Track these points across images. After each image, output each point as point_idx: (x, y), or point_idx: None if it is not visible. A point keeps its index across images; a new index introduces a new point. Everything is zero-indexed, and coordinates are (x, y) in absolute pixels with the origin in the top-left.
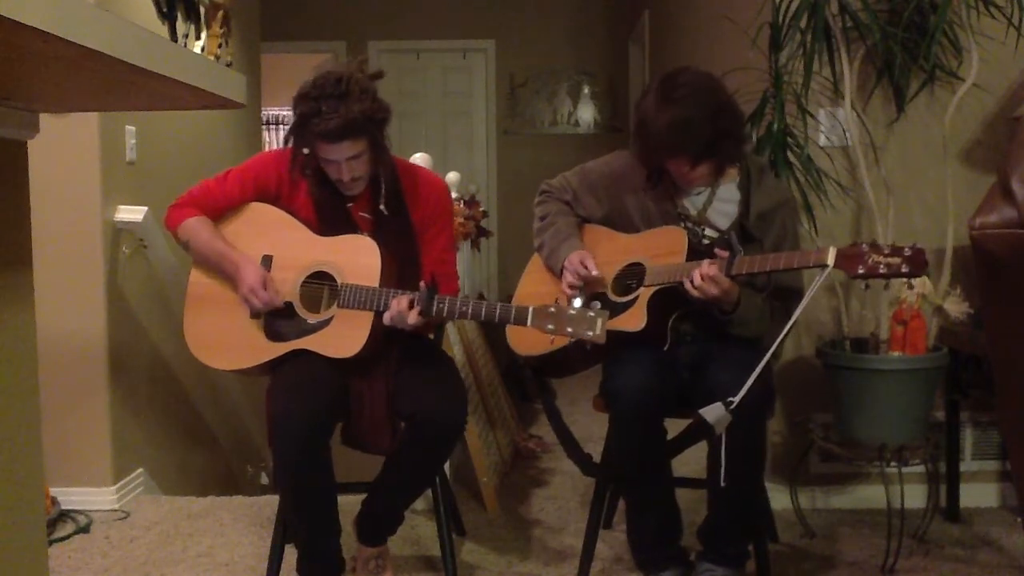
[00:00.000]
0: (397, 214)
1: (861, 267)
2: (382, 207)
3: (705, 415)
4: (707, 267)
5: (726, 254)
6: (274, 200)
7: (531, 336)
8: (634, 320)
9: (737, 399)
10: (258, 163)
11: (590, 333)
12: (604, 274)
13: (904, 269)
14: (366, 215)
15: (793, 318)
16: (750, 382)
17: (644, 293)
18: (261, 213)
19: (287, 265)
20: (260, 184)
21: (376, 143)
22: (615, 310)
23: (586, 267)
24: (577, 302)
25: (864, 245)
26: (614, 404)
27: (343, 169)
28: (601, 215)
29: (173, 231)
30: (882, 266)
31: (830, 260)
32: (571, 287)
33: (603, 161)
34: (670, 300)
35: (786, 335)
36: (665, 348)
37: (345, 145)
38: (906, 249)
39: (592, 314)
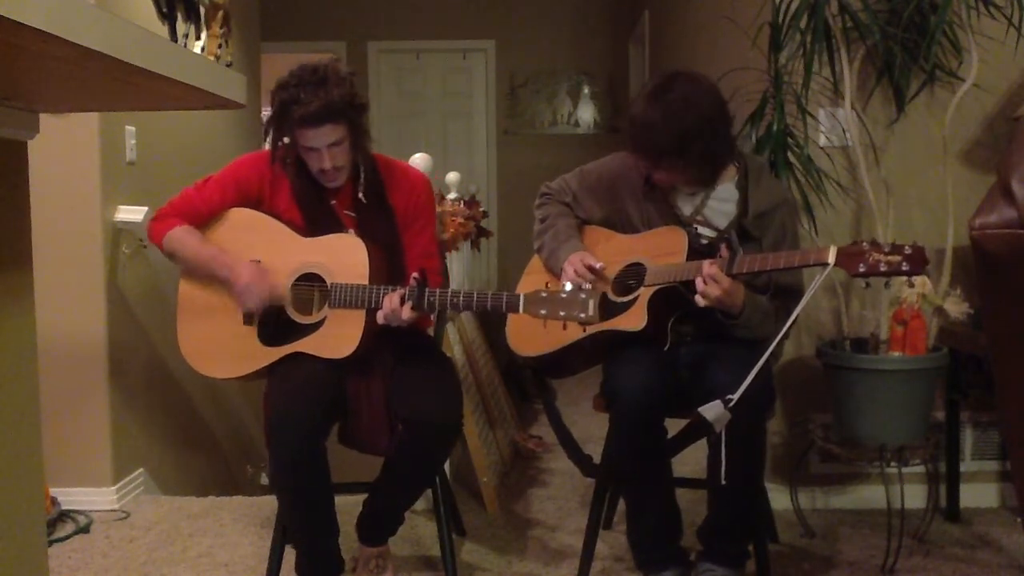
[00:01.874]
0: (378, 207)
1: (862, 265)
2: (360, 196)
3: (704, 413)
4: (708, 267)
5: (727, 254)
6: (256, 203)
7: (531, 336)
8: (635, 320)
9: (736, 397)
10: (237, 167)
11: (583, 315)
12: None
13: (905, 267)
14: (350, 212)
15: (793, 316)
16: (748, 380)
17: (644, 293)
18: (245, 218)
19: (275, 269)
20: (241, 188)
21: (356, 130)
22: (615, 310)
23: (589, 266)
24: (568, 285)
25: (865, 243)
26: (614, 404)
27: (324, 157)
28: (601, 216)
29: (158, 244)
30: (883, 264)
31: (831, 259)
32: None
33: (601, 163)
34: (670, 300)
35: (785, 334)
36: (665, 348)
37: (326, 129)
38: (906, 247)
39: (584, 295)
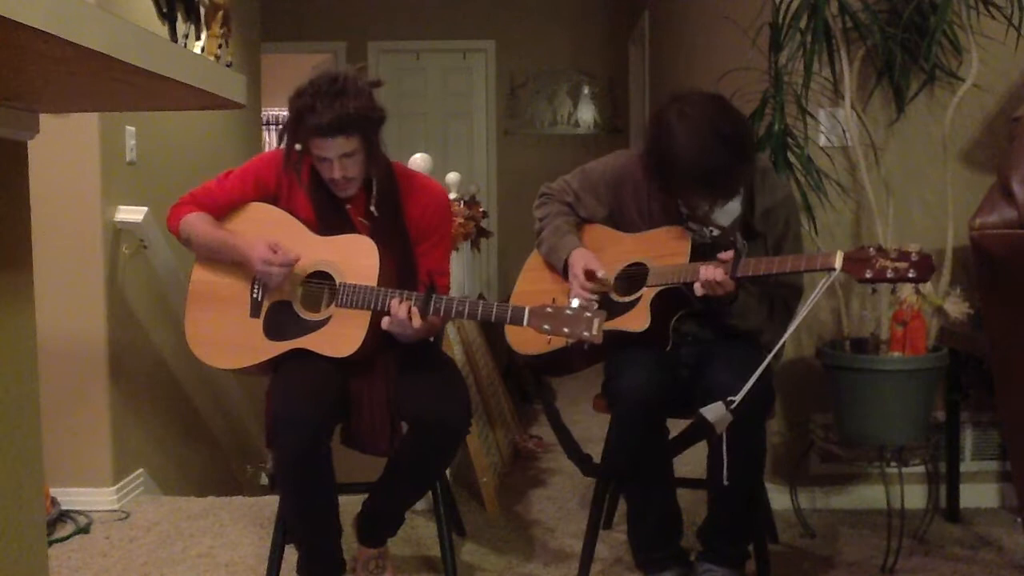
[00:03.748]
0: (391, 218)
1: (868, 271)
2: (372, 209)
3: (706, 414)
4: (712, 270)
5: (730, 256)
6: (274, 200)
7: (531, 335)
8: (638, 321)
9: (738, 398)
10: (258, 163)
11: (587, 333)
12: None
13: (911, 274)
14: (364, 220)
15: (797, 320)
16: (751, 383)
17: (647, 294)
18: (262, 212)
19: None
20: (260, 183)
21: (370, 143)
22: (618, 310)
23: (589, 271)
24: (575, 302)
25: (871, 249)
26: (616, 404)
27: (335, 167)
28: (603, 215)
29: (174, 230)
30: (889, 271)
31: (837, 264)
32: (583, 295)
33: (604, 161)
34: (672, 301)
35: (787, 337)
36: (667, 349)
37: (339, 141)
38: (913, 254)
39: (589, 314)
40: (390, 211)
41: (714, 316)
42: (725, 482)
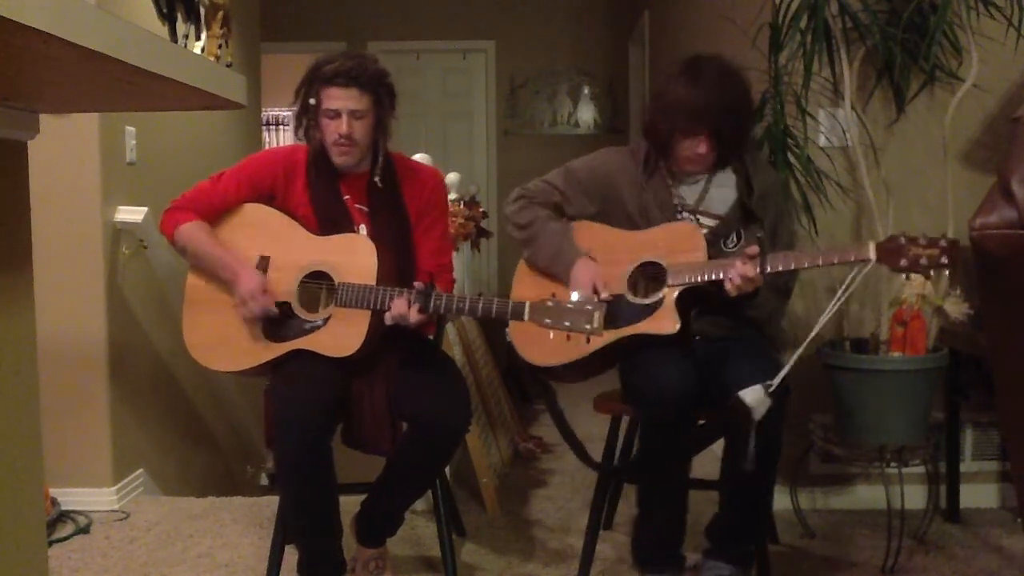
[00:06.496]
0: (392, 201)
1: (903, 260)
2: (377, 180)
3: (744, 397)
4: (742, 267)
5: (756, 251)
6: (269, 200)
7: (552, 346)
8: (666, 323)
9: (775, 382)
10: (253, 163)
11: (588, 326)
12: (614, 274)
13: (943, 261)
14: (362, 207)
15: (828, 312)
16: (788, 367)
17: (669, 294)
18: (257, 213)
19: (284, 265)
20: (255, 184)
21: (381, 110)
22: (639, 313)
23: (597, 291)
24: (575, 295)
25: (901, 238)
26: (649, 407)
27: (343, 122)
28: (592, 212)
29: (169, 236)
30: (923, 258)
31: (872, 255)
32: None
33: (590, 158)
34: (694, 299)
35: (820, 327)
36: (690, 347)
37: (352, 93)
38: (941, 240)
39: (590, 307)
40: (389, 195)
41: (732, 309)
42: (748, 468)
